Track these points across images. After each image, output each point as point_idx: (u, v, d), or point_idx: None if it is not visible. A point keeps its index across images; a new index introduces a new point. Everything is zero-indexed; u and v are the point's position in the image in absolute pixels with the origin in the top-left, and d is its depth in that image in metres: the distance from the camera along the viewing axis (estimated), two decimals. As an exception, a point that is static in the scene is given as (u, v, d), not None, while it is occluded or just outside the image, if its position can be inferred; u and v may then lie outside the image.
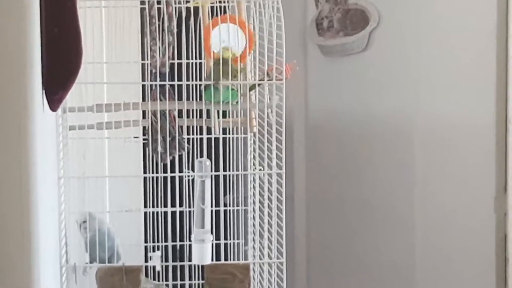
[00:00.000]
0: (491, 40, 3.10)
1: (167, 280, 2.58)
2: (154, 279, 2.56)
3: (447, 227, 3.27)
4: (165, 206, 2.56)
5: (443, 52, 3.25)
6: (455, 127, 3.24)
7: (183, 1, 2.44)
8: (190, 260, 2.42)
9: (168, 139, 2.40)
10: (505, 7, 3.07)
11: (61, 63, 1.97)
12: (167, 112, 2.38)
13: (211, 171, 2.36)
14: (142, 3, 2.41)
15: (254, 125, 2.48)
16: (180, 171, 2.42)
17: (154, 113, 2.39)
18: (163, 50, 2.34)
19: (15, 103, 1.69)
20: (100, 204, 2.65)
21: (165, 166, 2.43)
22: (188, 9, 2.42)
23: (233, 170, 2.66)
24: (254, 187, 2.61)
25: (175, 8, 2.37)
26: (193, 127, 2.57)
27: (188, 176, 2.44)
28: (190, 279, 2.68)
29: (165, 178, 2.44)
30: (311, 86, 3.58)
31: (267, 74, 2.38)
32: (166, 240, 2.59)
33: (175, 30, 2.35)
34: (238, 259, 2.76)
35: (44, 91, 1.95)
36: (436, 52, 3.26)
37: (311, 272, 3.64)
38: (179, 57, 2.44)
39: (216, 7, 2.52)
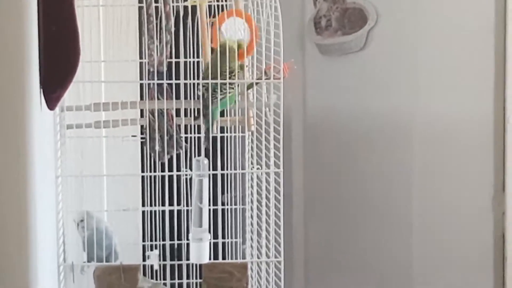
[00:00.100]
0: (489, 39, 3.10)
1: (165, 279, 2.57)
2: (152, 278, 2.56)
3: (445, 225, 3.27)
4: (163, 205, 2.56)
5: (441, 50, 3.25)
6: (454, 126, 3.24)
7: (181, 0, 2.44)
8: (188, 259, 2.41)
9: (166, 138, 2.39)
10: (503, 5, 3.07)
11: (59, 62, 1.97)
12: (165, 111, 2.38)
13: (209, 169, 2.36)
14: (140, 1, 2.40)
15: (252, 124, 2.48)
16: (178, 170, 2.42)
17: (152, 112, 2.39)
18: (161, 48, 2.34)
19: (12, 102, 1.69)
20: (98, 203, 2.64)
21: (163, 165, 2.43)
22: (185, 7, 2.41)
23: (231, 169, 2.66)
24: (252, 186, 2.61)
25: (173, 6, 2.37)
26: (190, 125, 2.57)
27: (186, 175, 2.44)
28: (187, 278, 2.68)
29: (163, 177, 2.44)
30: (309, 85, 3.58)
31: (265, 73, 2.37)
32: (164, 239, 2.58)
33: (172, 29, 2.35)
34: (236, 258, 2.76)
35: (41, 89, 1.95)
36: (434, 50, 3.26)
37: (309, 271, 3.64)
38: (177, 56, 2.44)
39: (214, 5, 2.52)
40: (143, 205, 2.79)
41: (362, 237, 3.47)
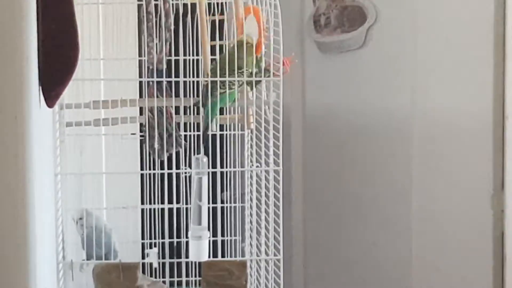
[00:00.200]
0: (489, 37, 3.09)
1: (164, 277, 2.57)
2: (151, 275, 2.56)
3: (444, 224, 3.27)
4: (162, 203, 2.56)
5: (441, 48, 3.25)
6: (453, 124, 3.23)
7: (180, -2, 2.44)
8: (187, 257, 2.42)
9: (165, 135, 2.39)
10: (503, 3, 3.07)
11: (58, 60, 1.96)
12: (164, 108, 2.38)
13: (208, 167, 2.36)
14: (139, -1, 2.40)
15: (251, 121, 2.48)
16: (177, 168, 2.41)
17: (151, 110, 2.39)
18: (160, 46, 2.34)
19: (11, 99, 1.69)
20: (97, 201, 2.64)
21: (162, 162, 2.43)
22: (185, 5, 2.41)
23: (230, 167, 2.65)
24: (251, 184, 2.61)
25: (172, 4, 2.37)
26: (190, 123, 2.57)
27: (185, 173, 2.44)
28: (187, 275, 2.68)
29: (162, 175, 2.44)
30: (308, 83, 3.58)
31: (265, 70, 2.37)
32: (163, 237, 2.58)
33: (172, 27, 2.35)
34: (235, 256, 2.76)
35: (40, 87, 1.95)
36: (434, 48, 3.26)
37: (308, 269, 3.64)
38: (176, 54, 2.44)
39: (213, 3, 2.52)
40: (142, 203, 2.79)
41: (361, 235, 3.47)
